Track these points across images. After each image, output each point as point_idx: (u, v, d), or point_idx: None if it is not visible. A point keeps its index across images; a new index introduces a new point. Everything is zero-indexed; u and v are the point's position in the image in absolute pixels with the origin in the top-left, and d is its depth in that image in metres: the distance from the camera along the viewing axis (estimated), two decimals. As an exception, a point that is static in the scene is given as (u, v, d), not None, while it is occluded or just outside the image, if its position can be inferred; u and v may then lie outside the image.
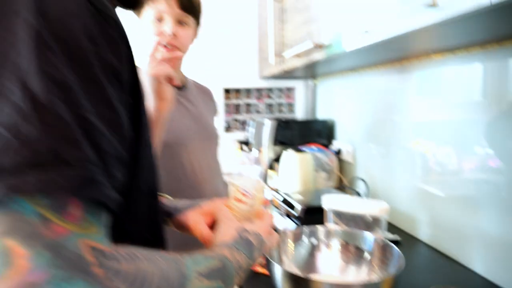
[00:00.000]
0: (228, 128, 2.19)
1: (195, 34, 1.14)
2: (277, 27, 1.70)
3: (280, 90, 2.24)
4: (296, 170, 1.57)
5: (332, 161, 1.79)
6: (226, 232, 0.59)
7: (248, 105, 2.21)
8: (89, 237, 0.33)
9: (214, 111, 1.34)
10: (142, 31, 1.07)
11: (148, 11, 1.04)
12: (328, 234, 0.93)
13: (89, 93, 0.36)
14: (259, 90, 2.22)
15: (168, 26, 1.03)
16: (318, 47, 1.21)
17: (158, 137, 0.96)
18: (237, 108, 2.20)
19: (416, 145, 1.27)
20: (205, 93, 1.32)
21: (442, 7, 0.66)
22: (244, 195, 0.66)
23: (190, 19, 1.07)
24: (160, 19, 1.04)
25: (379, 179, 1.52)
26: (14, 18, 0.35)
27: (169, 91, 0.93)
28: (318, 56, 1.26)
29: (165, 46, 1.01)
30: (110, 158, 0.37)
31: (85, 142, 0.34)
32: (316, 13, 1.27)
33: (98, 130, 0.36)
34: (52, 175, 0.32)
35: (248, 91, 2.21)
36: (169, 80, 0.92)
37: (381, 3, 0.89)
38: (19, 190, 0.31)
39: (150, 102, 0.90)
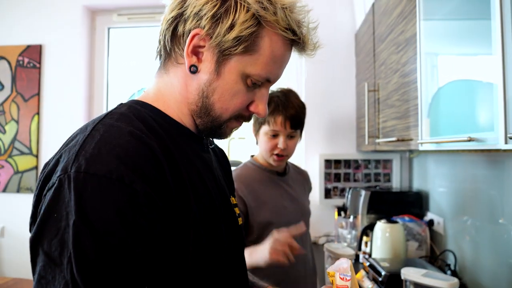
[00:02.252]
0: (327, 195, 2.48)
1: (299, 140, 1.52)
2: (371, 112, 1.99)
3: (377, 161, 2.48)
4: (387, 240, 1.78)
5: (424, 232, 1.95)
6: None
7: (347, 174, 2.49)
8: None
9: (308, 190, 1.68)
10: (260, 141, 1.49)
11: (266, 127, 1.44)
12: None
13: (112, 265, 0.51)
14: (357, 161, 2.48)
15: (281, 142, 1.43)
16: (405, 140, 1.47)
17: (263, 217, 1.33)
18: (336, 176, 2.49)
19: None
20: (302, 175, 1.67)
21: None
22: (342, 279, 0.70)
23: (297, 132, 1.47)
24: (275, 135, 1.44)
25: (468, 252, 1.65)
26: (70, 216, 0.51)
27: None
28: (407, 147, 1.51)
29: (277, 155, 1.41)
30: None
31: None
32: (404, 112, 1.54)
33: None
34: None
35: (347, 162, 2.49)
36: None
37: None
38: None
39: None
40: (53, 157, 0.60)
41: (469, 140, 0.89)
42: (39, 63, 2.60)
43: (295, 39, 0.68)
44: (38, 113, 2.60)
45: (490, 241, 1.48)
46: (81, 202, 0.51)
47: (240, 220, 0.83)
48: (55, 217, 0.52)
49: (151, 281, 0.55)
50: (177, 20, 0.67)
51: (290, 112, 1.43)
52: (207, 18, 0.64)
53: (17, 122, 2.61)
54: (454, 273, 1.66)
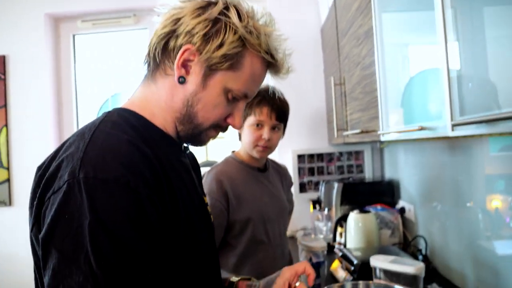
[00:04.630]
0: (302, 189, 2.51)
1: (283, 134, 1.54)
2: (338, 106, 2.02)
3: (349, 153, 2.52)
4: (360, 229, 1.82)
5: (396, 219, 2.00)
6: None
7: (320, 167, 2.52)
8: None
9: (288, 185, 1.71)
10: (244, 134, 1.50)
11: (251, 118, 1.46)
12: None
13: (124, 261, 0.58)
14: (330, 154, 2.52)
15: (266, 132, 1.45)
16: (369, 132, 1.50)
17: (243, 214, 1.35)
18: (310, 170, 2.52)
19: (489, 202, 1.33)
20: (281, 171, 1.69)
21: None
22: None
23: (281, 125, 1.49)
24: (259, 125, 1.45)
25: (437, 237, 1.70)
26: (83, 218, 0.57)
27: None
28: (371, 139, 1.55)
29: (261, 147, 1.43)
30: None
31: None
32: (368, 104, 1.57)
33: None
34: None
35: (320, 155, 2.52)
36: None
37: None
38: None
39: None
40: (49, 161, 0.66)
41: (420, 129, 0.92)
42: (4, 74, 2.54)
43: (273, 62, 0.79)
44: (6, 125, 2.54)
45: (457, 224, 1.52)
46: (93, 205, 0.57)
47: (212, 218, 0.90)
48: (66, 218, 0.57)
49: (153, 271, 0.62)
50: (169, 35, 0.74)
51: (276, 103, 1.47)
52: (199, 36, 0.72)
53: (-16, 135, 2.55)
54: (426, 258, 1.71)
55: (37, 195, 0.63)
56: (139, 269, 0.59)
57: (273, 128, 1.48)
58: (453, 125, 0.78)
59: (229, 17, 0.72)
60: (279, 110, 1.48)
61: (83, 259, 0.56)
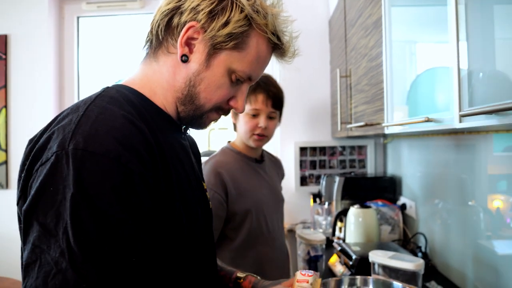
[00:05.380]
0: (303, 182, 2.48)
1: (279, 122, 1.51)
2: (343, 98, 1.99)
3: (352, 147, 2.48)
4: (360, 224, 1.79)
5: (397, 216, 1.97)
6: None
7: (322, 161, 2.49)
8: None
9: (281, 177, 1.68)
10: (240, 123, 1.47)
11: (247, 107, 1.42)
12: (365, 283, 1.15)
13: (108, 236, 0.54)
14: (332, 148, 2.49)
15: (262, 120, 1.41)
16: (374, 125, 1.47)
17: (243, 205, 1.33)
18: (312, 164, 2.49)
19: (491, 201, 1.31)
20: (276, 162, 1.66)
21: None
22: (304, 275, 0.81)
23: (277, 113, 1.45)
24: (255, 115, 1.42)
25: (438, 234, 1.67)
26: (67, 190, 0.54)
27: None
28: (376, 131, 1.51)
29: (258, 135, 1.40)
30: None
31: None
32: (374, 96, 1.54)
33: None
34: None
35: (322, 149, 2.49)
36: None
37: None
38: None
39: None
40: (41, 134, 0.63)
41: (426, 121, 0.89)
42: (5, 54, 2.51)
43: (279, 44, 0.76)
44: (5, 106, 2.52)
45: (459, 223, 1.50)
46: (79, 177, 0.54)
47: (210, 204, 0.87)
48: (51, 190, 0.55)
49: (138, 253, 0.59)
50: (173, 12, 0.72)
51: (272, 90, 1.44)
52: (204, 13, 0.70)
53: (-16, 116, 2.53)
54: (425, 255, 1.68)
55: (25, 167, 0.60)
56: (122, 250, 0.56)
57: (269, 116, 1.45)
58: (461, 116, 0.74)
59: None
60: (275, 97, 1.45)
61: (62, 233, 0.53)
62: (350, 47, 1.89)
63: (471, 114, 0.68)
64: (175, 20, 0.72)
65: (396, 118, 1.25)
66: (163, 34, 0.74)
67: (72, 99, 2.68)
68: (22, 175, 0.61)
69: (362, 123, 1.52)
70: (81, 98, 2.57)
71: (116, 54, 2.79)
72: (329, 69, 2.48)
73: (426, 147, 1.81)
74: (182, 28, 0.71)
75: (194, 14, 0.70)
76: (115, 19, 2.80)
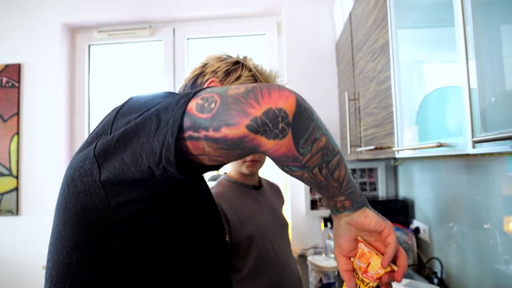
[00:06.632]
0: (313, 206, 2.45)
1: None
2: (352, 121, 1.98)
3: (363, 170, 2.46)
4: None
5: (410, 240, 1.93)
6: None
7: (332, 184, 2.46)
8: None
9: (282, 202, 1.66)
10: None
11: None
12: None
13: None
14: (342, 171, 2.46)
15: None
16: (383, 148, 1.46)
17: (246, 232, 1.30)
18: (322, 187, 2.46)
19: (507, 223, 1.28)
20: (275, 188, 1.65)
21: None
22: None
23: None
24: None
25: (454, 259, 1.62)
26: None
27: None
28: (385, 155, 1.50)
29: (250, 161, 1.38)
30: None
31: None
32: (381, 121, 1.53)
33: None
34: None
35: (332, 172, 2.46)
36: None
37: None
38: None
39: None
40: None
41: (438, 146, 0.88)
42: (18, 82, 2.56)
43: None
44: (17, 133, 2.56)
45: (475, 247, 1.46)
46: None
47: (227, 237, 0.94)
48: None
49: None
50: (198, 76, 0.95)
51: None
52: (222, 71, 0.93)
53: (-4, 143, 2.57)
54: (441, 281, 1.63)
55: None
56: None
57: None
58: (474, 142, 0.73)
59: (245, 61, 0.96)
60: None
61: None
62: (357, 70, 1.89)
63: (484, 140, 0.66)
64: (199, 80, 0.93)
65: (406, 139, 1.24)
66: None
67: (82, 125, 2.71)
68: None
69: (372, 147, 1.51)
70: (91, 124, 2.60)
71: (125, 80, 2.83)
72: (337, 92, 2.48)
73: (437, 168, 1.78)
74: (205, 84, 0.91)
75: (214, 74, 0.92)
76: (125, 46, 2.86)
